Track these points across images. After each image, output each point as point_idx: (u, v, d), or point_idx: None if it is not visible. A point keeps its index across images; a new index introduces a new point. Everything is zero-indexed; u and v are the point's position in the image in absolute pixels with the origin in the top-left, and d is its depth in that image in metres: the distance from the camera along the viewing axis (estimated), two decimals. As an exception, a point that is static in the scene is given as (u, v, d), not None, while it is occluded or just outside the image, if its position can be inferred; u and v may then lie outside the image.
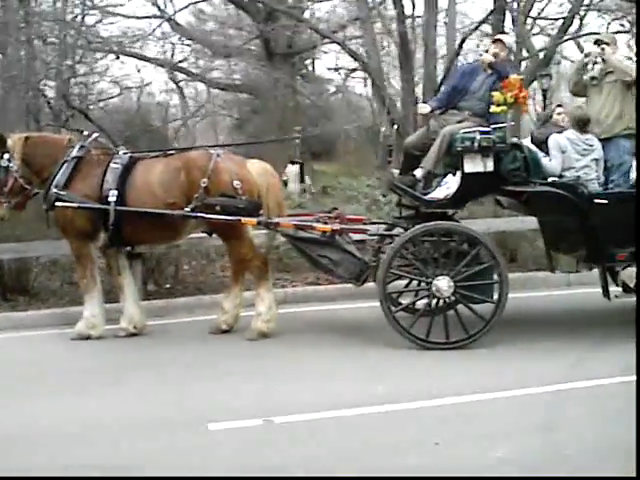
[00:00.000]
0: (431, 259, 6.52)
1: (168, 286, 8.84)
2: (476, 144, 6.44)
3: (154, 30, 17.37)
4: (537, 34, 19.42)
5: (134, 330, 7.15)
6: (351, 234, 6.99)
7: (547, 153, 6.78)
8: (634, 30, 14.95)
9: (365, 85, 23.74)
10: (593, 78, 7.06)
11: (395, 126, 7.33)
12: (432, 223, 6.55)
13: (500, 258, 6.52)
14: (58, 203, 6.90)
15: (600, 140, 6.79)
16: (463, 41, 14.84)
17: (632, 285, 6.83)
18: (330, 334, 7.08)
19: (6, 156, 7.15)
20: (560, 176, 6.66)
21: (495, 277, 6.50)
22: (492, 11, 15.37)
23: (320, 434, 4.64)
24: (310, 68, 24.81)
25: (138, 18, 18.04)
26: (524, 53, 16.99)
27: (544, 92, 18.03)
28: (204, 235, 7.51)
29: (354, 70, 21.99)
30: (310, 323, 7.55)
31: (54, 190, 6.93)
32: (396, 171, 7.22)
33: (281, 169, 12.46)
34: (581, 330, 6.81)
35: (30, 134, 7.64)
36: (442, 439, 4.47)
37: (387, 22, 16.31)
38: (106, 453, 4.43)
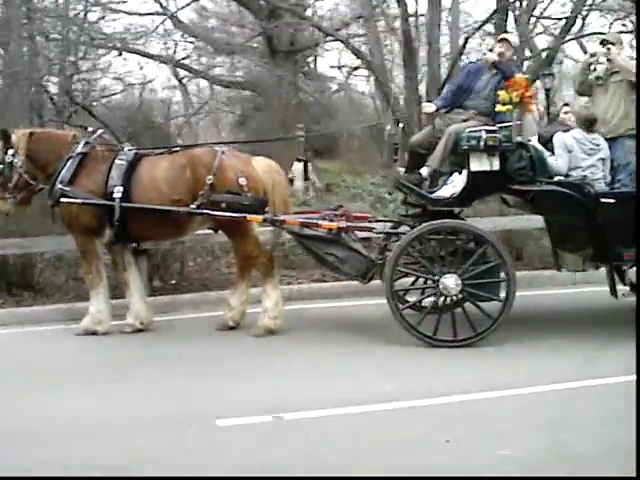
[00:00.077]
0: (438, 257, 6.52)
1: (174, 282, 8.83)
2: (482, 143, 6.45)
3: (157, 27, 17.38)
4: (540, 34, 19.41)
5: (140, 326, 7.15)
6: (356, 232, 7.00)
7: (553, 151, 6.78)
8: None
9: (367, 83, 23.76)
10: (598, 78, 7.07)
11: (401, 125, 7.31)
12: (438, 221, 6.55)
13: (507, 256, 6.52)
14: (63, 199, 6.90)
15: (606, 140, 6.79)
16: (467, 40, 14.84)
17: (639, 284, 6.85)
18: (336, 331, 7.07)
19: (10, 152, 7.14)
20: (566, 175, 6.66)
21: (502, 275, 6.51)
22: (495, 11, 15.36)
23: (329, 431, 4.63)
24: (312, 66, 24.80)
25: (140, 15, 18.04)
26: (527, 53, 17.01)
27: (547, 91, 18.03)
28: (209, 232, 7.53)
29: (356, 68, 21.98)
30: (316, 320, 7.55)
31: (59, 186, 6.92)
32: (402, 169, 7.21)
33: (287, 167, 12.40)
34: (588, 329, 6.82)
35: (34, 130, 7.66)
36: (451, 437, 4.46)
37: (390, 20, 16.30)
38: (113, 450, 4.40)
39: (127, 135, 13.31)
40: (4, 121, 10.29)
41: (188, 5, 19.20)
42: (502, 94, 6.59)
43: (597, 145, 6.69)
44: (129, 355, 6.50)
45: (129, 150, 7.13)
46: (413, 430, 4.65)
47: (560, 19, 18.47)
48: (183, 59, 18.73)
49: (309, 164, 15.73)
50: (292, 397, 5.21)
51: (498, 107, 6.61)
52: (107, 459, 4.28)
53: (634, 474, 3.90)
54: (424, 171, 6.83)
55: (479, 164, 6.50)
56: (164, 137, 17.99)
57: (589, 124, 6.75)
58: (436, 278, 6.47)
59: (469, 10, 19.05)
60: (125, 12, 17.23)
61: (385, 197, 9.66)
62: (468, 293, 6.45)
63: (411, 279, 7.30)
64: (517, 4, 15.99)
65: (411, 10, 15.85)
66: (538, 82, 18.29)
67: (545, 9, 19.22)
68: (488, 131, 6.48)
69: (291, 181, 13.70)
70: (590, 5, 17.23)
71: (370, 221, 7.38)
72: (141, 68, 18.84)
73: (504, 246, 6.86)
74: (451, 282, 6.41)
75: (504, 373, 5.70)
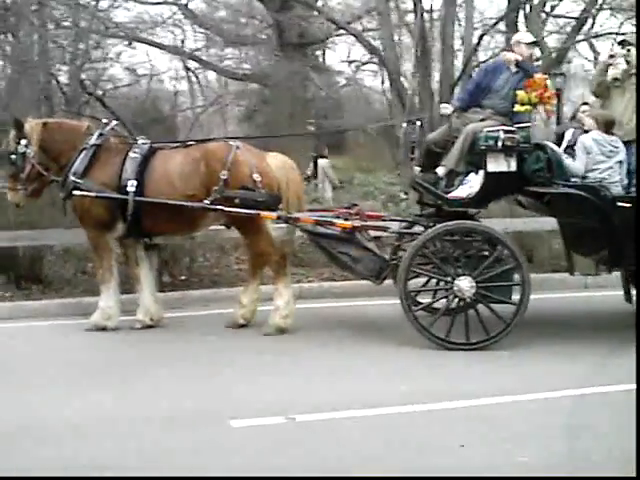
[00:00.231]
0: (452, 258, 6.47)
1: (183, 278, 8.78)
2: (500, 143, 6.39)
3: (169, 17, 17.25)
4: (553, 33, 19.28)
5: (150, 322, 7.10)
6: (370, 231, 6.95)
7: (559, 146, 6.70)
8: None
9: (375, 78, 23.61)
10: (616, 79, 7.00)
11: (418, 123, 7.24)
12: (454, 222, 6.50)
13: (522, 260, 6.47)
14: (76, 192, 6.83)
15: (623, 143, 6.73)
16: (482, 37, 14.75)
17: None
18: (348, 331, 7.03)
19: (23, 142, 7.05)
20: (583, 177, 6.60)
21: (516, 278, 6.46)
22: (511, 9, 15.27)
23: (343, 433, 4.60)
24: (320, 59, 24.66)
25: (152, 4, 17.91)
26: (537, 52, 16.86)
27: (557, 91, 17.90)
28: (220, 227, 7.45)
29: (366, 63, 21.84)
30: (327, 320, 7.50)
31: (72, 178, 6.85)
32: (417, 168, 7.15)
33: (303, 163, 12.19)
34: (600, 334, 6.77)
35: (48, 120, 7.56)
36: (465, 441, 4.43)
37: (402, 14, 16.19)
38: (121, 451, 4.35)
39: (135, 127, 13.21)
40: (14, 110, 10.20)
41: (199, -4, 19.09)
42: (520, 94, 6.53)
43: (616, 147, 6.63)
44: (138, 352, 6.44)
45: (143, 143, 7.07)
46: (429, 433, 4.62)
47: (571, 18, 18.36)
48: (195, 51, 18.60)
49: (325, 160, 15.36)
50: (304, 398, 5.18)
51: (516, 107, 6.55)
52: (115, 459, 4.23)
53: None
54: (440, 171, 6.77)
55: (496, 165, 6.45)
56: (172, 129, 17.90)
57: (608, 126, 6.68)
58: (450, 279, 6.43)
59: (482, 8, 18.89)
60: (136, 1, 17.12)
61: (397, 195, 9.60)
62: (482, 295, 6.40)
63: (423, 280, 7.25)
64: (529, 2, 15.85)
65: (425, 6, 15.71)
66: (549, 82, 18.21)
67: (553, 8, 19.08)
68: (506, 131, 6.43)
69: (307, 179, 13.44)
70: (601, 4, 17.11)
71: (384, 220, 7.32)
72: (150, 60, 18.72)
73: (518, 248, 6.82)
74: (465, 284, 6.36)
75: (517, 378, 5.67)
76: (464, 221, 6.64)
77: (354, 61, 22.20)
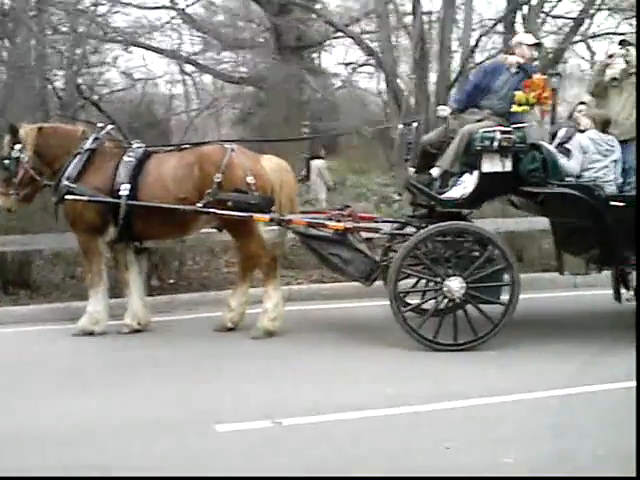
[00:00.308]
0: (443, 259, 6.44)
1: (172, 282, 8.73)
2: (495, 143, 6.36)
3: (167, 22, 17.21)
4: (550, 34, 19.24)
5: (138, 326, 7.06)
6: (362, 232, 6.92)
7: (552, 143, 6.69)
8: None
9: (370, 80, 23.55)
10: (614, 79, 6.98)
11: (415, 124, 7.22)
12: (447, 223, 6.47)
13: (513, 260, 6.45)
14: (68, 196, 6.80)
15: (619, 142, 6.70)
16: (480, 38, 14.71)
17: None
18: (336, 333, 6.99)
19: (17, 147, 7.04)
20: (578, 177, 6.57)
21: (506, 278, 6.43)
22: (510, 10, 15.24)
23: (329, 436, 4.57)
24: (316, 62, 24.62)
25: (151, 9, 17.87)
26: (535, 53, 16.80)
27: (553, 91, 17.85)
28: (211, 230, 7.42)
29: (363, 65, 21.79)
30: (316, 322, 7.46)
31: (65, 182, 6.82)
32: (412, 169, 7.12)
33: (297, 165, 12.09)
34: (589, 333, 6.76)
35: (43, 125, 7.53)
36: (452, 443, 4.40)
37: (401, 17, 16.15)
38: (108, 456, 4.31)
39: (130, 131, 13.18)
40: (9, 115, 10.19)
41: (198, 1, 19.03)
42: (518, 94, 6.50)
43: (612, 146, 6.61)
44: (126, 357, 6.40)
45: (138, 147, 7.05)
46: (413, 436, 4.59)
47: (569, 18, 18.33)
48: (192, 55, 18.57)
49: (320, 161, 15.24)
50: (291, 401, 5.15)
51: (514, 107, 6.52)
52: (100, 464, 4.19)
53: (634, 474, 3.88)
54: (434, 172, 6.73)
55: (491, 165, 6.43)
56: (167, 133, 17.86)
57: (604, 125, 6.65)
58: (440, 280, 6.40)
59: (480, 9, 18.80)
60: (134, 6, 17.09)
61: (389, 197, 9.56)
62: (471, 296, 6.37)
63: (412, 281, 7.21)
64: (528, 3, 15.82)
65: (424, 7, 15.64)
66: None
67: (552, 8, 19.05)
68: (503, 132, 6.40)
69: (301, 180, 13.30)
70: (600, 4, 17.08)
71: (376, 221, 7.29)
72: (146, 65, 18.68)
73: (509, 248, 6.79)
74: (455, 285, 6.34)
75: (505, 378, 5.65)
76: (457, 222, 6.61)
77: (350, 63, 22.14)
